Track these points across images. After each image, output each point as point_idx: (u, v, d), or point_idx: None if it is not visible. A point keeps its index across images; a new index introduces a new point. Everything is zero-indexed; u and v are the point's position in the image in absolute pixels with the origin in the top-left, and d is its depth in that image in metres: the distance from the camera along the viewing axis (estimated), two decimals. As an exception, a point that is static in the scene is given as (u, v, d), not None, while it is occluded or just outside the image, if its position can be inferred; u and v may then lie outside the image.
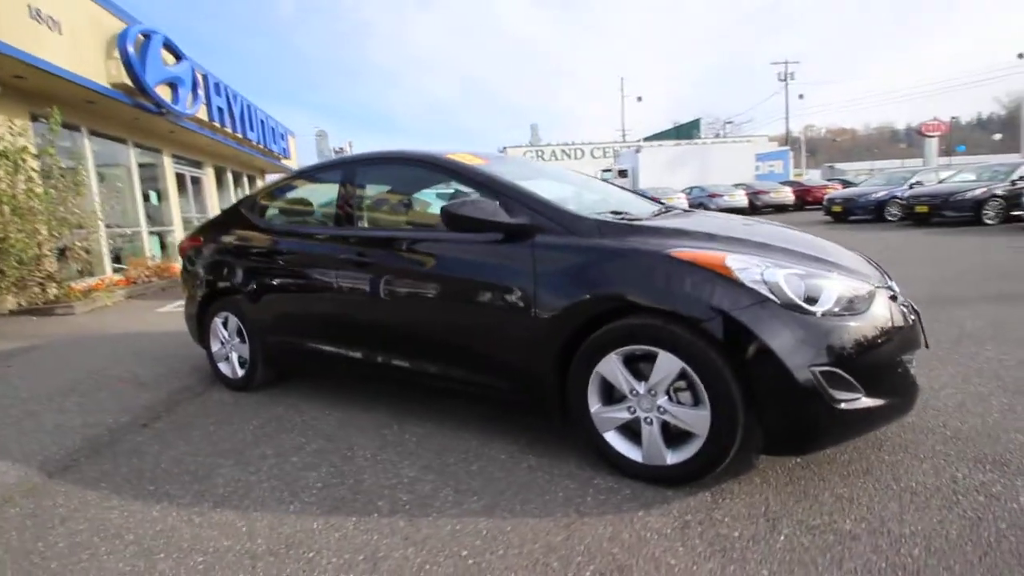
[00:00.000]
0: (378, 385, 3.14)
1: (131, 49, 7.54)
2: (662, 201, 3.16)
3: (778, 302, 1.74)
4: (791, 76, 39.59)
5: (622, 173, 26.88)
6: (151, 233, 9.99)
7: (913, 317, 2.02)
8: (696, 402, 1.83)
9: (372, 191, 3.01)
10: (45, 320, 6.12)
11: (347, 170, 2.87)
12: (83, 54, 6.91)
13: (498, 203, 2.21)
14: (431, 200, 3.62)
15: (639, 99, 54.61)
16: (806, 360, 1.69)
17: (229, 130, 11.74)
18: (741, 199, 19.90)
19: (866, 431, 1.98)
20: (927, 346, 2.09)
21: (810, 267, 1.92)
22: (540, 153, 40.16)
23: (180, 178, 11.56)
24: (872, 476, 1.92)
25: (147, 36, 7.99)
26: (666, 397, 1.88)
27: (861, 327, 1.79)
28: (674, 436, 1.91)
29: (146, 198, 9.98)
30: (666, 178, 24.85)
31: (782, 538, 1.61)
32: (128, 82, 7.65)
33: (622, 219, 2.22)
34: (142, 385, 3.53)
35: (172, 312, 6.36)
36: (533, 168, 3.34)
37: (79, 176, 6.87)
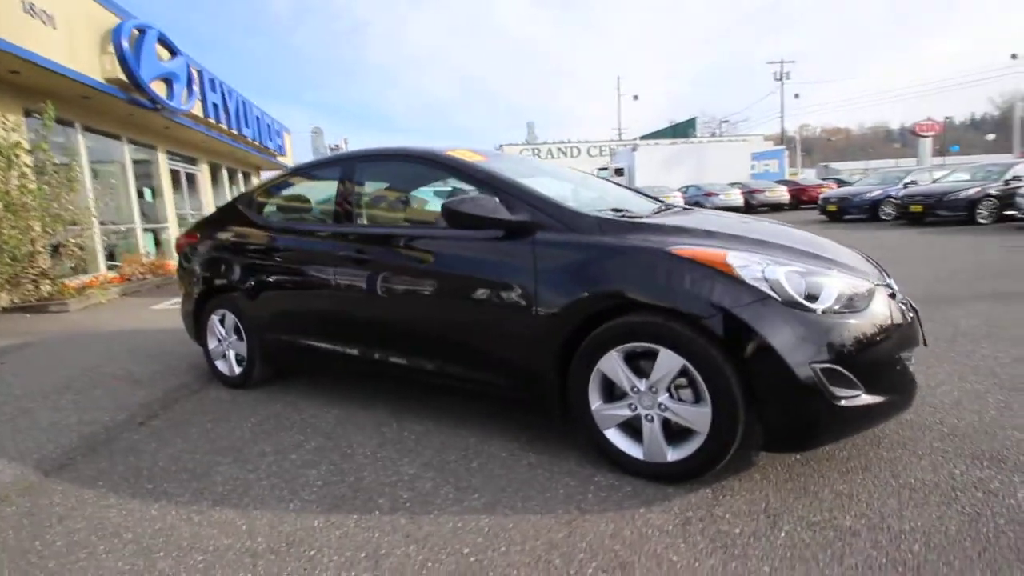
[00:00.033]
0: (376, 382, 3.14)
1: (126, 44, 7.47)
2: (661, 199, 3.16)
3: (779, 299, 1.75)
4: (787, 76, 39.73)
5: (618, 172, 26.87)
6: (145, 230, 9.92)
7: (911, 315, 2.03)
8: (697, 399, 1.83)
9: (372, 188, 2.99)
10: (39, 317, 6.07)
11: (346, 167, 2.86)
12: (77, 49, 6.85)
13: (498, 200, 2.21)
14: (428, 198, 3.61)
15: (635, 98, 54.80)
16: (807, 357, 1.70)
17: (224, 126, 11.67)
18: (737, 198, 19.95)
19: (866, 428, 1.99)
20: (925, 343, 2.10)
21: (810, 264, 1.92)
22: (536, 151, 40.11)
23: (175, 175, 11.48)
24: (871, 472, 1.93)
25: (142, 31, 7.93)
26: (667, 394, 1.88)
27: (861, 325, 1.80)
28: (675, 433, 1.91)
29: (140, 195, 9.91)
30: (662, 177, 24.86)
31: (783, 534, 1.62)
32: (123, 77, 7.59)
33: (622, 216, 2.22)
34: (138, 383, 3.50)
35: (167, 309, 6.32)
36: (532, 165, 3.34)
37: (73, 172, 6.81)
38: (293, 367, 3.44)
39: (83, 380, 3.61)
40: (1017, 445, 2.06)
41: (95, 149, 8.49)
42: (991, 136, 52.54)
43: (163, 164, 10.83)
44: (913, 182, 13.84)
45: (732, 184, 21.87)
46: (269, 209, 3.38)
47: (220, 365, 3.40)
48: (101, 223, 8.00)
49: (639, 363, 1.94)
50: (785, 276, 1.78)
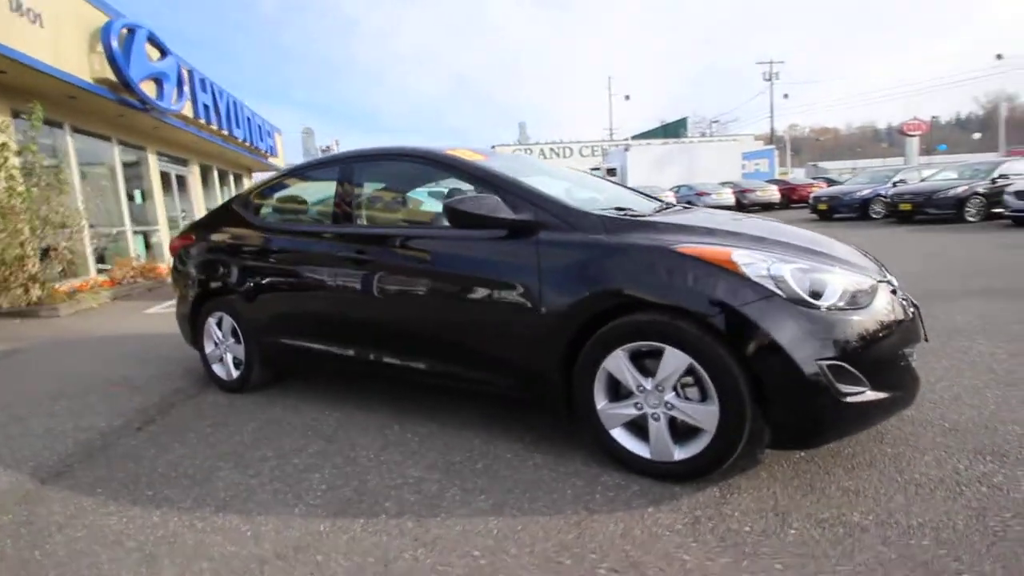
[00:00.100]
0: (378, 384, 3.11)
1: (115, 44, 7.39)
2: (660, 198, 3.16)
3: (784, 297, 1.75)
4: (776, 76, 40.03)
5: (611, 172, 26.96)
6: (136, 233, 9.81)
7: (912, 310, 2.05)
8: (703, 397, 1.83)
9: (371, 188, 2.97)
10: (29, 322, 5.98)
11: (345, 167, 2.84)
12: (65, 48, 6.76)
13: (501, 199, 2.20)
14: (423, 198, 3.60)
15: (627, 98, 54.63)
16: (813, 354, 1.70)
17: (215, 127, 11.57)
18: (729, 197, 20.07)
19: (871, 424, 2.00)
20: (926, 339, 2.11)
21: (813, 262, 1.93)
22: (528, 152, 40.18)
23: (165, 176, 11.37)
24: (876, 469, 1.94)
25: (131, 30, 7.84)
26: (673, 393, 1.88)
27: (865, 321, 1.81)
28: (681, 432, 1.91)
29: (130, 197, 9.80)
30: (654, 177, 24.98)
31: (792, 532, 1.62)
32: (112, 77, 7.51)
33: (626, 215, 2.22)
34: (134, 388, 3.46)
35: (160, 313, 6.25)
36: (531, 165, 3.33)
37: (62, 174, 6.72)
38: (292, 370, 3.41)
39: (77, 386, 3.55)
40: (1018, 439, 2.08)
41: (84, 150, 8.39)
42: (977, 135, 53.32)
43: (153, 165, 10.71)
44: (902, 181, 13.99)
45: (724, 184, 22.01)
46: (266, 210, 3.34)
47: (217, 369, 3.35)
48: (91, 226, 7.89)
49: (644, 362, 1.94)
50: (790, 273, 1.79)
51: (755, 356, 1.73)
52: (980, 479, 1.83)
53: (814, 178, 26.89)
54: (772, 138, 40.52)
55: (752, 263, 1.80)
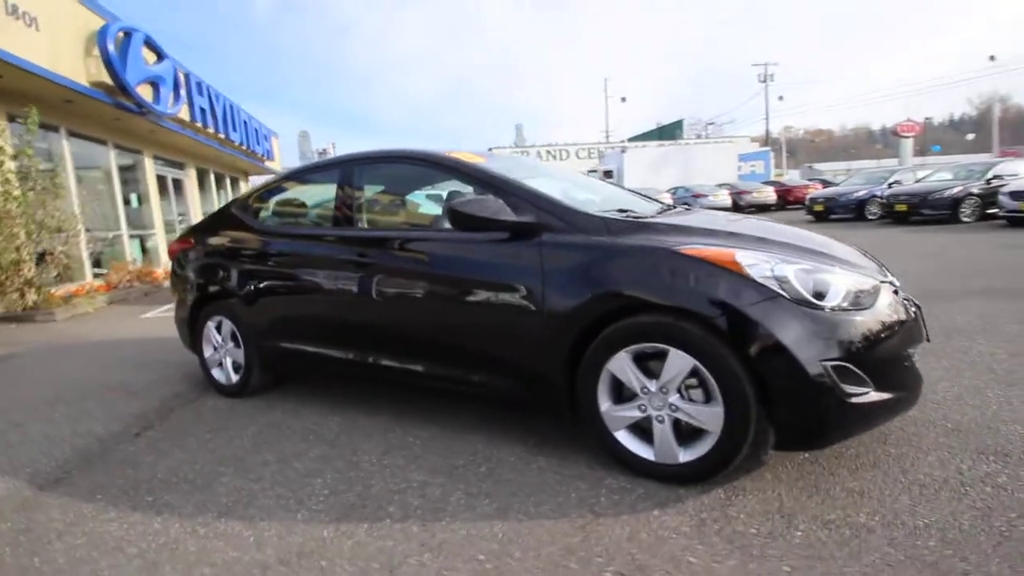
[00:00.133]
0: (378, 388, 3.10)
1: (111, 47, 7.36)
2: (660, 200, 3.16)
3: (788, 297, 1.75)
4: (771, 78, 40.24)
5: (607, 174, 27.00)
6: (132, 236, 9.76)
7: (914, 310, 2.05)
8: (708, 399, 1.83)
9: (372, 191, 2.96)
10: (25, 327, 5.94)
11: (346, 170, 2.83)
12: (61, 52, 6.73)
13: (503, 201, 2.19)
14: (420, 201, 3.59)
15: (623, 100, 54.99)
16: (818, 355, 1.70)
17: (211, 131, 11.53)
18: (725, 199, 20.14)
19: (875, 425, 2.00)
20: (928, 339, 2.12)
21: (816, 262, 1.93)
22: (525, 154, 40.23)
23: (161, 180, 11.32)
24: (880, 469, 1.94)
25: (128, 34, 7.81)
26: (678, 395, 1.87)
27: (868, 322, 1.81)
28: (685, 434, 1.91)
29: (127, 201, 9.75)
30: (651, 178, 25.02)
31: (799, 533, 1.61)
32: (108, 81, 7.47)
33: (628, 217, 2.22)
34: (131, 393, 3.43)
35: (157, 318, 6.22)
36: (531, 167, 3.32)
37: (58, 178, 6.69)
38: (292, 374, 3.39)
39: (74, 391, 3.53)
40: (1021, 439, 2.08)
41: (80, 154, 8.35)
42: (971, 136, 53.67)
43: (150, 169, 10.67)
44: (897, 182, 14.06)
45: (720, 185, 22.09)
46: (266, 214, 3.33)
47: (216, 373, 3.33)
48: (87, 230, 7.85)
49: (648, 364, 1.93)
50: (794, 274, 1.79)
51: (759, 357, 1.72)
52: (984, 479, 1.83)
53: (809, 179, 27.02)
54: (768, 140, 40.69)
55: (756, 264, 1.80)
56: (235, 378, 3.24)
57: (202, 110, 10.90)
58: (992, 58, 36.30)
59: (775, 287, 1.76)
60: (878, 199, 13.27)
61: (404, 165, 2.78)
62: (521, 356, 2.17)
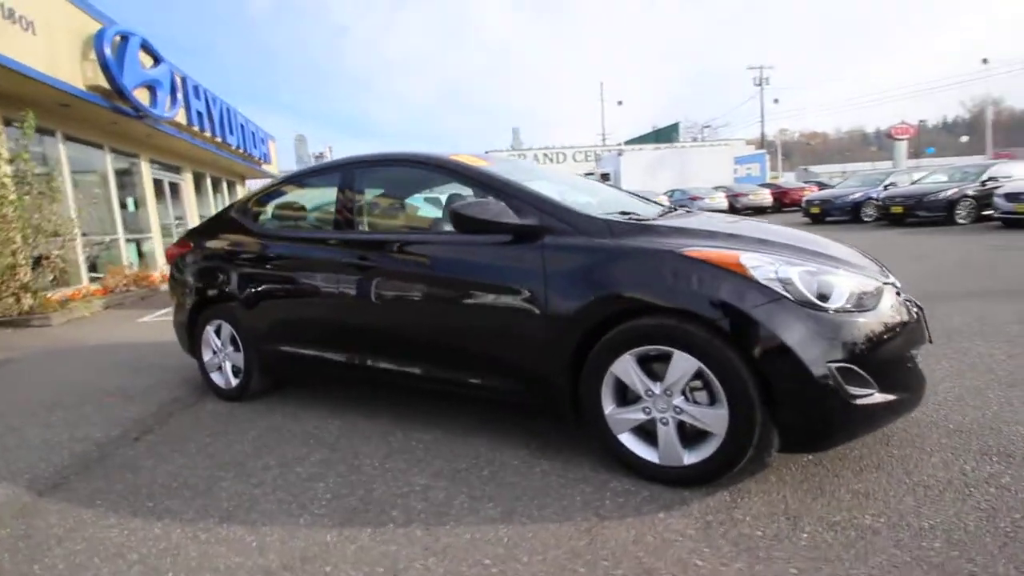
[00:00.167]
0: (378, 391, 3.08)
1: (108, 51, 7.34)
2: (659, 202, 3.17)
3: (792, 299, 1.75)
4: (766, 81, 40.43)
5: (604, 176, 27.06)
6: (128, 240, 9.72)
7: (916, 311, 2.06)
8: (712, 401, 1.83)
9: (373, 194, 2.95)
10: (20, 332, 5.90)
11: (347, 173, 2.82)
12: (58, 56, 6.71)
13: (505, 204, 2.19)
14: (421, 204, 3.58)
15: (619, 103, 55.13)
16: (823, 356, 1.70)
17: (208, 134, 11.51)
18: (721, 201, 20.18)
19: (879, 426, 2.00)
20: (931, 341, 2.12)
21: (819, 264, 1.94)
22: (522, 157, 40.26)
23: (158, 184, 11.29)
24: (884, 471, 1.94)
25: (124, 38, 7.80)
26: (682, 397, 1.87)
27: (872, 323, 1.81)
28: (690, 436, 1.90)
29: (123, 205, 9.71)
30: (648, 181, 25.08)
31: (805, 535, 1.61)
32: (105, 85, 7.45)
33: (631, 219, 2.22)
34: (129, 398, 3.41)
35: (154, 322, 6.19)
36: (531, 169, 3.32)
37: (54, 182, 6.66)
38: (294, 378, 3.38)
39: (72, 396, 3.50)
40: (1023, 440, 2.08)
41: (76, 158, 8.31)
42: (964, 138, 54.04)
43: (146, 173, 10.64)
44: (893, 184, 14.13)
45: (716, 188, 22.15)
46: (266, 217, 3.32)
47: (215, 377, 3.31)
48: (83, 234, 7.82)
49: (652, 366, 1.93)
50: (798, 276, 1.79)
51: (764, 359, 1.72)
52: (988, 480, 1.83)
53: (805, 182, 27.13)
54: (763, 142, 40.85)
55: (760, 266, 1.80)
56: (234, 382, 3.23)
57: (199, 114, 10.88)
58: (985, 61, 36.55)
59: (779, 289, 1.76)
60: (874, 201, 13.33)
61: (405, 168, 2.78)
62: (524, 359, 2.16)
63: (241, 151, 13.86)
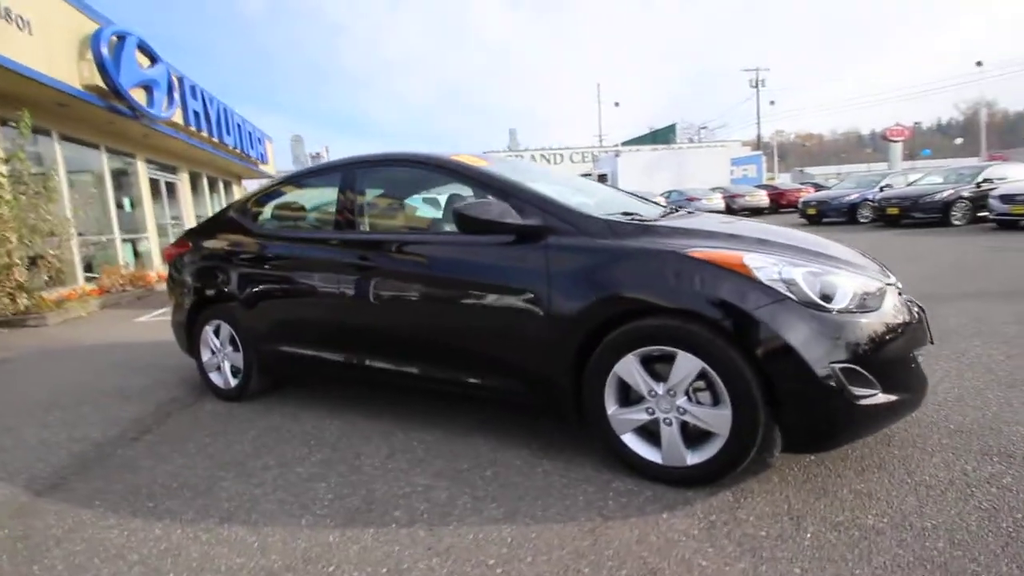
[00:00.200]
0: (377, 391, 3.07)
1: (105, 51, 7.31)
2: (662, 203, 3.17)
3: (796, 300, 1.75)
4: (762, 83, 40.57)
5: (602, 177, 27.11)
6: (124, 241, 9.67)
7: (918, 312, 2.06)
8: (716, 402, 1.82)
9: (374, 194, 2.95)
10: (16, 332, 5.87)
11: (347, 173, 2.81)
12: (54, 55, 6.67)
13: (508, 204, 2.19)
14: (421, 204, 3.57)
15: (616, 104, 55.12)
16: (826, 357, 1.71)
17: (205, 134, 11.47)
18: (718, 202, 20.24)
19: (882, 426, 2.01)
20: (932, 341, 2.13)
21: (822, 265, 1.94)
22: (520, 157, 40.33)
23: (154, 184, 11.25)
24: (886, 471, 1.94)
25: (121, 38, 7.77)
26: (685, 397, 1.87)
27: (875, 324, 1.81)
28: (693, 436, 1.90)
29: (119, 205, 9.67)
30: (645, 182, 25.14)
31: (808, 535, 1.61)
32: (102, 84, 7.42)
33: (634, 220, 2.22)
34: (127, 398, 3.39)
35: (151, 322, 6.16)
36: (533, 170, 3.32)
37: (51, 182, 6.62)
38: (294, 379, 3.37)
39: (69, 396, 3.48)
40: (1023, 440, 2.09)
41: (72, 158, 8.27)
42: (959, 140, 54.34)
43: (142, 173, 10.60)
44: (889, 185, 14.21)
45: (713, 189, 22.21)
46: (266, 217, 3.30)
47: (214, 377, 3.30)
48: (79, 234, 7.78)
49: (655, 366, 1.93)
50: (802, 277, 1.79)
51: (768, 360, 1.72)
52: (989, 480, 1.84)
53: (801, 183, 27.24)
54: (759, 144, 41.01)
55: (764, 267, 1.80)
56: (233, 382, 3.21)
57: (196, 113, 10.84)
58: (979, 63, 36.78)
59: (783, 290, 1.76)
60: (870, 203, 13.39)
61: (407, 168, 2.77)
62: (527, 359, 2.16)
63: (238, 151, 13.82)
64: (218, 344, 3.25)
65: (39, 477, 2.36)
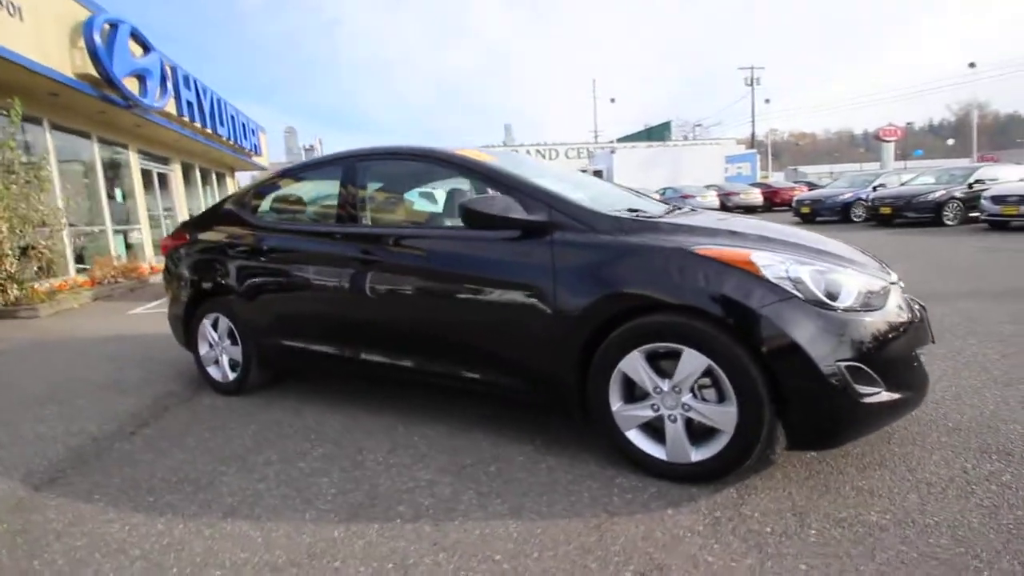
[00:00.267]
0: (380, 387, 3.06)
1: (97, 39, 7.20)
2: (667, 200, 3.17)
3: (802, 298, 1.76)
4: (757, 82, 40.68)
5: (597, 174, 27.10)
6: (116, 232, 9.56)
7: (919, 310, 2.08)
8: (721, 399, 1.83)
9: (376, 187, 2.92)
10: (7, 323, 5.78)
11: (348, 166, 2.79)
12: (46, 43, 6.56)
13: (514, 199, 2.18)
14: (427, 198, 3.55)
15: (612, 101, 55.28)
16: (832, 355, 1.72)
17: (198, 125, 11.35)
18: (713, 200, 20.31)
19: (884, 424, 2.02)
20: (934, 340, 2.14)
21: (828, 263, 1.95)
22: (516, 152, 40.18)
23: (147, 175, 11.11)
24: (887, 468, 1.96)
25: (114, 26, 7.65)
26: (691, 394, 1.87)
27: (879, 322, 1.82)
28: (698, 433, 1.91)
29: (111, 195, 9.55)
30: (640, 179, 25.16)
31: (813, 532, 1.63)
32: (94, 73, 7.32)
33: (640, 216, 2.22)
34: (123, 391, 3.36)
35: (145, 314, 6.09)
36: (538, 166, 3.31)
37: (42, 171, 6.52)
38: (293, 372, 3.34)
39: (64, 389, 3.44)
40: (1021, 438, 2.12)
41: (64, 148, 8.16)
42: (951, 141, 54.85)
43: (135, 164, 10.47)
44: (882, 185, 14.31)
45: (708, 186, 22.28)
46: (266, 209, 3.27)
47: (212, 371, 3.27)
48: (70, 224, 7.67)
49: (660, 363, 1.93)
50: (808, 275, 1.80)
51: (774, 357, 1.73)
52: (989, 478, 1.86)
53: (795, 182, 27.39)
54: (753, 142, 41.15)
55: (771, 265, 1.81)
56: (231, 376, 3.19)
57: (189, 104, 10.72)
58: (972, 65, 37.07)
59: (790, 288, 1.77)
60: (863, 202, 13.49)
61: (410, 162, 2.75)
62: (532, 355, 2.15)
63: (231, 142, 13.69)
64: (216, 337, 3.22)
65: (37, 471, 2.33)
